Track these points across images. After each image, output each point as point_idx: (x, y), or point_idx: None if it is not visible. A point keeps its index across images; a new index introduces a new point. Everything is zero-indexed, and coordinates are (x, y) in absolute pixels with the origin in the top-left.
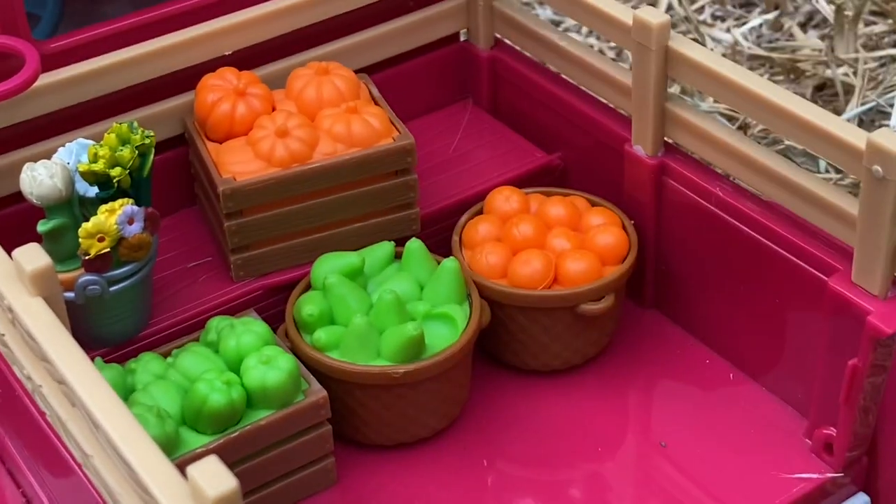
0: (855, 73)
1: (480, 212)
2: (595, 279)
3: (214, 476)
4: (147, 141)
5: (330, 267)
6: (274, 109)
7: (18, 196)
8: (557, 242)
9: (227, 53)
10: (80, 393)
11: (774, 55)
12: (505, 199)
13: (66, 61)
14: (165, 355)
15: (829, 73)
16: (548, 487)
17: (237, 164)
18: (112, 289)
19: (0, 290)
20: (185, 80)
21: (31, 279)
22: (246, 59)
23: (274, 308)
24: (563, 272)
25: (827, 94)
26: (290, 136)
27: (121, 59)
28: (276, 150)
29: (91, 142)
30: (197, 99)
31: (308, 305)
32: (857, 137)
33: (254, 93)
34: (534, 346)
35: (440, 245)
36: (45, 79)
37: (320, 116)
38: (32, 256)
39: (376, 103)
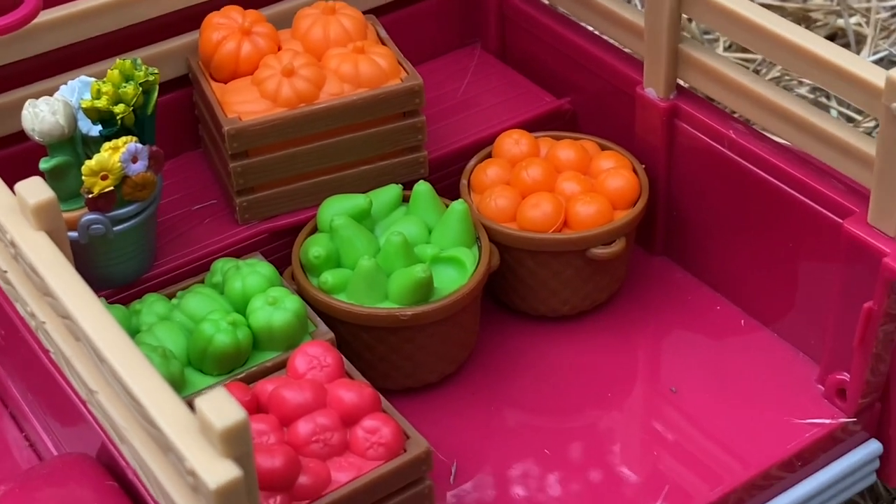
0: (867, 23)
1: (489, 155)
2: (605, 223)
3: (222, 408)
4: (151, 78)
5: (337, 209)
6: (280, 49)
7: (20, 135)
8: (567, 186)
9: None
10: (85, 326)
11: (786, 4)
12: (514, 142)
13: None
14: (170, 297)
15: (840, 22)
16: (556, 433)
17: (242, 104)
18: (116, 228)
19: (2, 223)
20: (189, 19)
21: (34, 212)
22: None
23: (280, 252)
24: (572, 216)
25: (838, 43)
26: (297, 75)
27: None
28: (282, 90)
29: (94, 79)
30: (201, 38)
31: (315, 247)
32: (877, 76)
33: (259, 32)
34: (543, 290)
35: (448, 189)
36: (46, 15)
37: (327, 56)
38: (35, 190)
39: (383, 44)
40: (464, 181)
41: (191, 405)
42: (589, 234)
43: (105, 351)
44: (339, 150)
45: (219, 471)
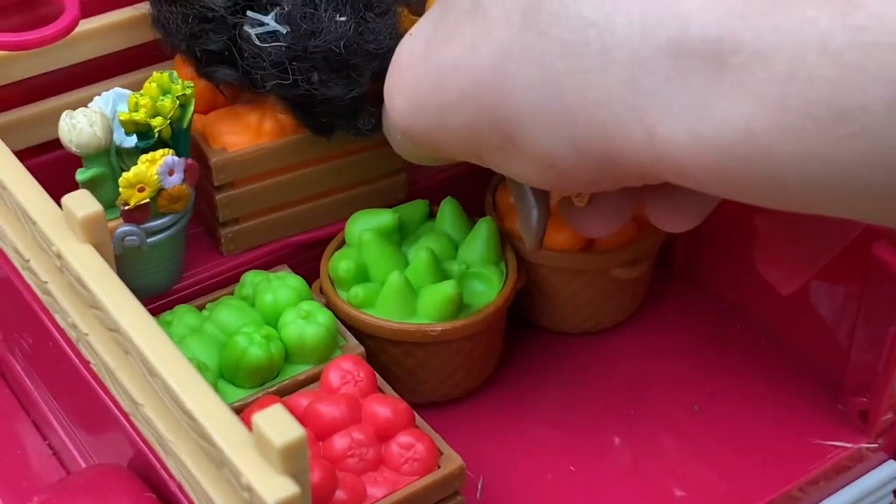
0: None
1: None
2: (629, 243)
3: (281, 424)
4: (188, 91)
5: (364, 224)
6: None
7: (55, 144)
8: None
9: None
10: (137, 340)
11: None
12: None
13: (105, 8)
14: (200, 308)
15: None
16: (579, 449)
17: (227, 135)
18: (150, 240)
19: (48, 236)
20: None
21: (81, 226)
22: None
23: (306, 265)
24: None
25: None
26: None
27: None
28: (266, 119)
29: (128, 91)
30: (177, 70)
31: (345, 261)
32: None
33: None
34: (566, 307)
35: (475, 206)
36: (84, 26)
37: None
38: (83, 203)
39: None
40: (489, 197)
41: None
42: (613, 254)
43: (158, 366)
44: (323, 177)
45: (277, 487)
